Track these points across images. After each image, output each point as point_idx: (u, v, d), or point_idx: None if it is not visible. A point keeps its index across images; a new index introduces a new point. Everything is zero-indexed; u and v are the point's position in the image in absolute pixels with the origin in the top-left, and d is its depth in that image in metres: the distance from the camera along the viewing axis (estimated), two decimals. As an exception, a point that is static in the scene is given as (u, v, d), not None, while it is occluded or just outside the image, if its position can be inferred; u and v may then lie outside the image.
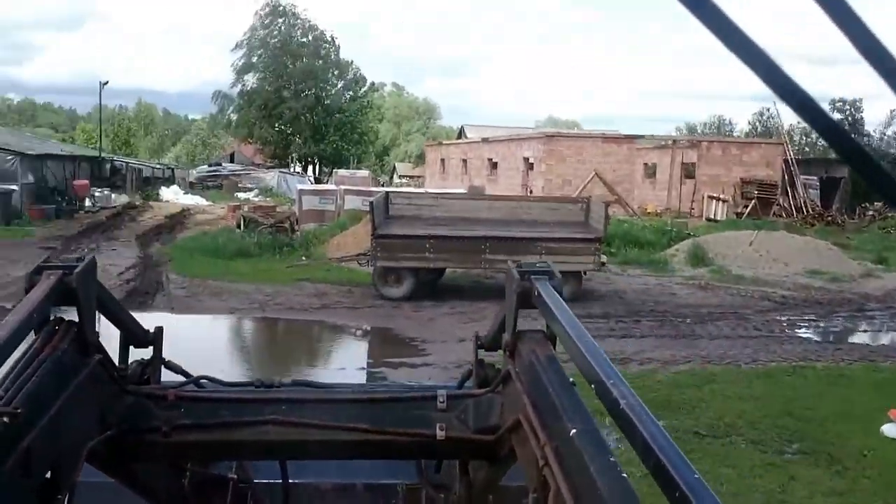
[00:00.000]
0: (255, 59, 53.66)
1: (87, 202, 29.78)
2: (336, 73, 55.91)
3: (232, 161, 61.31)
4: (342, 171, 42.74)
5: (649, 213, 32.36)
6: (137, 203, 33.95)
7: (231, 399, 1.82)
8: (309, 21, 54.67)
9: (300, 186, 30.12)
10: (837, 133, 0.75)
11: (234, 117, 56.46)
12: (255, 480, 2.34)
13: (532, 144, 33.05)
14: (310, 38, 54.20)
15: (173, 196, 39.10)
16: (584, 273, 15.66)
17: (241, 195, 39.86)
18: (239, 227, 22.73)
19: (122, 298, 14.86)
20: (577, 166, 30.82)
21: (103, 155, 37.82)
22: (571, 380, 1.49)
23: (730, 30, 0.69)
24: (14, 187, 25.37)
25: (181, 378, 1.90)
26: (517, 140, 35.58)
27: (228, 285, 16.40)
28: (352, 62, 57.34)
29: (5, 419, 1.23)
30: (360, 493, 2.57)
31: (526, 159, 32.96)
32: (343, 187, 27.07)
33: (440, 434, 1.74)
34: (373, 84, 60.94)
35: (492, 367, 1.91)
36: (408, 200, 18.20)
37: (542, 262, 1.84)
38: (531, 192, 30.52)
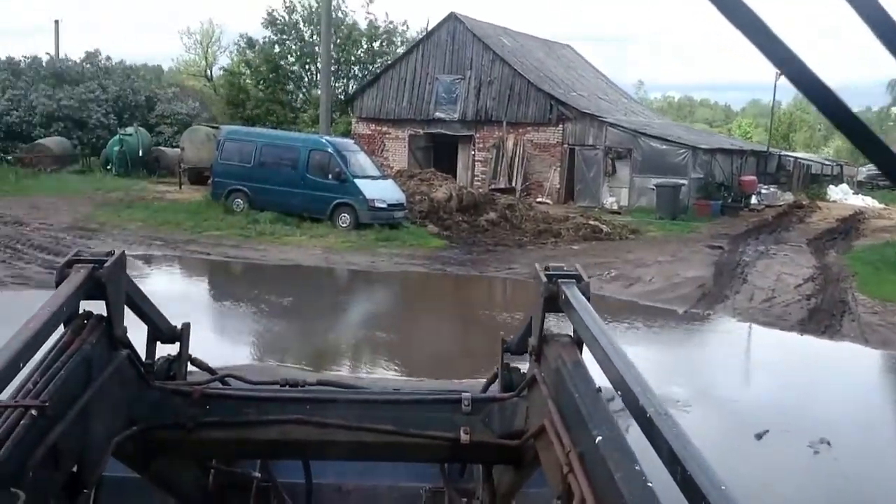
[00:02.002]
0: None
1: (753, 199, 28.49)
2: None
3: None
4: None
5: None
6: (804, 202, 31.29)
7: (256, 398, 1.82)
8: None
9: None
10: (836, 105, 0.73)
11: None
12: (279, 480, 2.31)
13: None
14: None
15: (841, 196, 35.15)
16: None
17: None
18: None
19: (804, 318, 12.70)
20: None
21: (770, 149, 36.05)
22: (598, 386, 1.45)
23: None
24: (683, 182, 25.53)
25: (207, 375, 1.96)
26: None
27: (937, 317, 12.77)
28: None
29: (33, 412, 1.25)
30: (383, 495, 2.52)
31: None
32: None
33: (464, 438, 1.74)
34: None
35: (517, 371, 1.91)
36: None
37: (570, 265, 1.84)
38: None
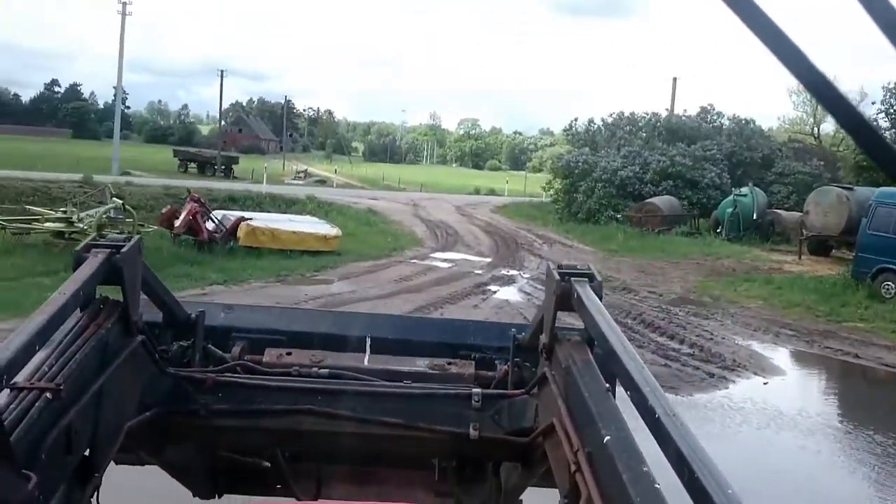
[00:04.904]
0: None
1: None
2: None
3: None
4: None
5: None
6: None
7: (268, 387, 1.82)
8: None
9: None
10: (840, 103, 0.70)
11: None
12: (288, 468, 2.26)
13: None
14: None
15: None
16: None
17: None
18: None
19: None
20: None
21: None
22: (607, 385, 1.44)
23: None
24: None
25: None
26: None
27: None
28: None
29: (48, 394, 1.26)
30: (392, 486, 2.45)
31: None
32: None
33: (473, 433, 1.74)
34: None
35: (528, 368, 1.89)
36: None
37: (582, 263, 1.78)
38: None
